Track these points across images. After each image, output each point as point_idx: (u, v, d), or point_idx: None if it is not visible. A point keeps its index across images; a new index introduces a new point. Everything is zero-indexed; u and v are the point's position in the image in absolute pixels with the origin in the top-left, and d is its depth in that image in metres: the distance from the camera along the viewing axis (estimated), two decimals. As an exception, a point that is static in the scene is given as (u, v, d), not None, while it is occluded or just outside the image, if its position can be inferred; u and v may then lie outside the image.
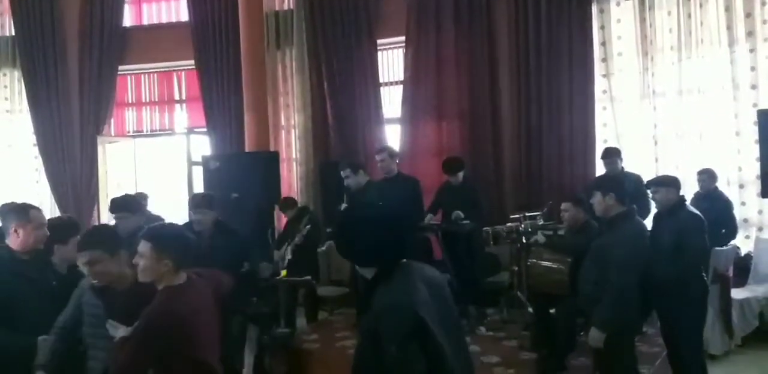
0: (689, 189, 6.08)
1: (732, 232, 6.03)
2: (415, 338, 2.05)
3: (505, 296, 6.26)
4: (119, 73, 9.19)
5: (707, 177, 6.10)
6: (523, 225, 5.84)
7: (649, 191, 4.51)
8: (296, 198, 7.59)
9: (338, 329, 5.79)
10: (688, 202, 4.57)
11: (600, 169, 6.64)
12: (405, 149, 8.01)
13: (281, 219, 7.85)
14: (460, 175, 6.31)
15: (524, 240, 5.76)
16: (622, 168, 6.27)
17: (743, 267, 6.27)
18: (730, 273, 5.75)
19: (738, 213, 6.57)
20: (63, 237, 3.38)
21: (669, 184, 4.43)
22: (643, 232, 3.88)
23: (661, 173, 6.47)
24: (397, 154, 6.42)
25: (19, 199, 3.66)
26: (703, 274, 4.34)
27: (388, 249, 2.21)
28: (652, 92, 7.02)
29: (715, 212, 4.82)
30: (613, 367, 3.81)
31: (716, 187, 6.15)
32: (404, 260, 2.25)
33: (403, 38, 8.05)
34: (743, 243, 6.59)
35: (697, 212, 4.33)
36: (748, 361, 5.38)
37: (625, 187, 3.97)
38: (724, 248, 5.77)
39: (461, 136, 7.76)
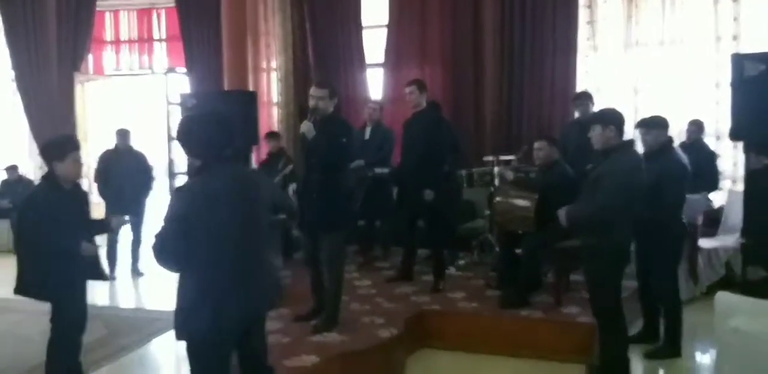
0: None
1: (714, 183, 6.06)
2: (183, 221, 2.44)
3: (477, 239, 6.33)
4: (97, 8, 8.93)
5: (696, 128, 6.12)
6: (496, 168, 5.85)
7: (638, 131, 4.39)
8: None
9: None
10: None
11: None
12: (387, 94, 7.95)
13: (258, 160, 7.82)
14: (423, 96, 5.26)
15: (496, 183, 5.77)
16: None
17: (715, 219, 6.30)
18: (699, 221, 5.79)
19: (715, 164, 6.62)
20: (60, 155, 3.40)
21: (661, 125, 4.32)
22: (640, 165, 3.68)
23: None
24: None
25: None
26: (682, 217, 4.34)
27: (215, 145, 2.60)
28: (635, 42, 6.96)
29: (698, 163, 4.78)
30: (601, 300, 3.77)
31: (701, 138, 6.16)
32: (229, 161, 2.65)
33: (388, -20, 7.88)
34: (717, 195, 6.61)
35: (683, 159, 4.27)
36: (712, 308, 5.45)
37: (624, 120, 3.78)
38: (695, 196, 5.78)
39: (443, 81, 7.65)
